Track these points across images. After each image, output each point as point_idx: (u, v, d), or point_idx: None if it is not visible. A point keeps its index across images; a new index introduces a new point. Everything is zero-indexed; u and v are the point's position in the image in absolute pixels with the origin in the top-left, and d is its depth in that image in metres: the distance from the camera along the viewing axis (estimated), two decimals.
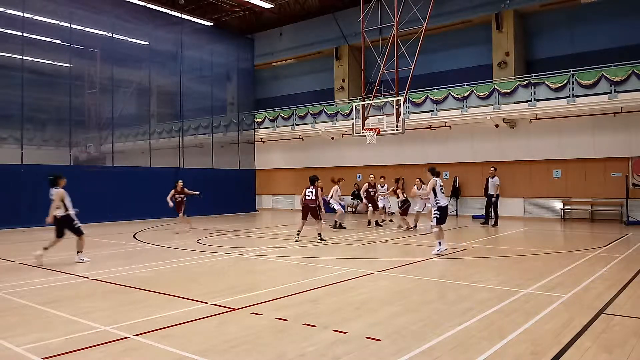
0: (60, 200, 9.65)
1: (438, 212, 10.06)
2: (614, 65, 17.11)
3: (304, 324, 5.27)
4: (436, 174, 10.22)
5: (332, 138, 24.92)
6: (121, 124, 23.64)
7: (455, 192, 21.58)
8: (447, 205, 10.26)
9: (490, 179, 16.86)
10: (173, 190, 15.55)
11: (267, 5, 24.45)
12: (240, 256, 10.50)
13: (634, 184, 17.70)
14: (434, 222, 10.13)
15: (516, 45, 21.06)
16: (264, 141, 27.63)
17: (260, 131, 26.95)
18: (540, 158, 19.71)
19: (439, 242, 10.07)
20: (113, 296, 6.82)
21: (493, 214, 16.88)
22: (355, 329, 5.09)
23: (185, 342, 4.72)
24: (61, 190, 9.72)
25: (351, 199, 24.46)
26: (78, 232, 9.78)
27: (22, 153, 17.35)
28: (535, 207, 20.04)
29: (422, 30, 16.65)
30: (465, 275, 8.11)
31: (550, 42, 21.31)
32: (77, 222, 9.82)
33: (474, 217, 20.74)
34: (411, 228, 15.57)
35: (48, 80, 20.75)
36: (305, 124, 25.03)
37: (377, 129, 17.05)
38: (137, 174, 20.43)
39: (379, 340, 4.72)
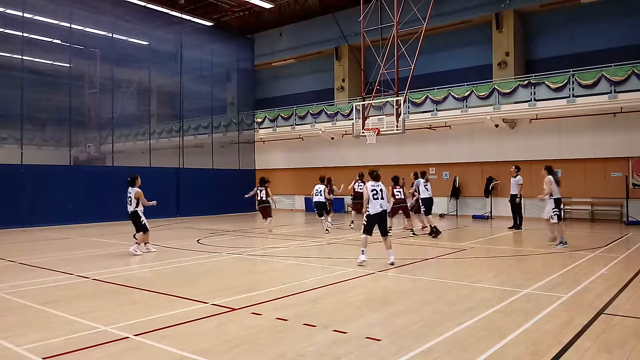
0: (135, 198, 10.84)
1: (365, 220, 9.14)
2: (614, 65, 17.11)
3: (304, 324, 5.27)
4: (373, 177, 9.21)
5: (332, 138, 24.92)
6: (121, 124, 23.66)
7: (455, 192, 21.58)
8: (377, 214, 8.96)
9: (512, 179, 15.49)
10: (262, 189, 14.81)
11: (267, 5, 24.44)
12: (240, 256, 10.50)
13: (634, 184, 17.70)
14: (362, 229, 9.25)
15: (516, 45, 21.06)
16: (264, 141, 27.63)
17: (260, 131, 26.95)
18: (540, 158, 19.67)
19: (362, 251, 9.10)
20: (113, 296, 6.82)
21: (516, 215, 15.64)
22: (355, 329, 5.09)
23: (185, 342, 4.73)
24: (138, 189, 10.98)
25: (351, 199, 24.38)
26: (144, 229, 10.88)
27: (22, 153, 17.34)
28: (535, 207, 19.98)
29: (422, 30, 16.65)
30: (465, 275, 8.11)
31: (550, 42, 21.31)
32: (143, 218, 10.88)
33: (474, 217, 20.75)
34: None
35: (48, 80, 20.76)
36: (305, 124, 25.03)
37: (377, 129, 17.05)
38: (137, 174, 20.37)
39: (379, 340, 4.72)
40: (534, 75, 19.09)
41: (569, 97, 17.76)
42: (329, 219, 16.31)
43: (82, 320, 5.47)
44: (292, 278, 8.03)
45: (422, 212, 14.40)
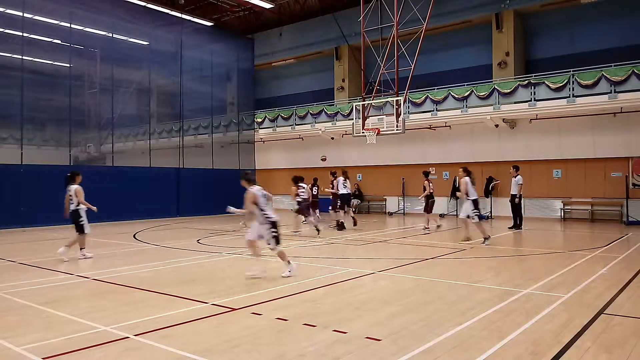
0: (76, 196, 10.11)
1: (274, 229, 7.87)
2: (614, 65, 17.11)
3: (304, 324, 5.27)
4: (248, 180, 8.08)
5: (332, 138, 24.92)
6: (121, 124, 23.68)
7: (455, 192, 21.54)
8: (276, 222, 7.93)
9: (512, 179, 15.51)
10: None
11: (267, 5, 24.46)
12: (240, 256, 10.50)
13: (634, 184, 17.70)
14: (271, 244, 7.89)
15: (516, 45, 21.07)
16: (264, 141, 27.63)
17: (260, 131, 26.96)
18: (540, 158, 19.71)
19: (288, 262, 8.07)
20: (113, 296, 6.81)
21: (516, 215, 15.65)
22: (355, 329, 5.09)
23: (185, 342, 4.73)
24: (78, 186, 10.23)
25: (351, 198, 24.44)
26: (81, 230, 10.11)
27: (22, 153, 17.34)
28: (535, 207, 20.04)
29: (422, 30, 16.66)
30: (465, 275, 8.11)
31: (550, 42, 21.31)
32: (83, 218, 10.17)
33: None
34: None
35: (48, 80, 20.77)
36: (305, 124, 25.04)
37: (377, 129, 17.06)
38: (137, 174, 20.44)
39: (379, 340, 4.72)
40: (534, 75, 19.09)
41: (569, 97, 17.76)
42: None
43: (82, 320, 5.47)
44: (292, 278, 8.02)
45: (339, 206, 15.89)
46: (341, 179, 15.72)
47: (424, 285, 7.37)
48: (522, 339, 4.74)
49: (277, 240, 7.87)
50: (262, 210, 7.78)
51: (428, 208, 15.90)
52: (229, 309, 5.93)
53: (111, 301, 6.52)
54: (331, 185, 16.76)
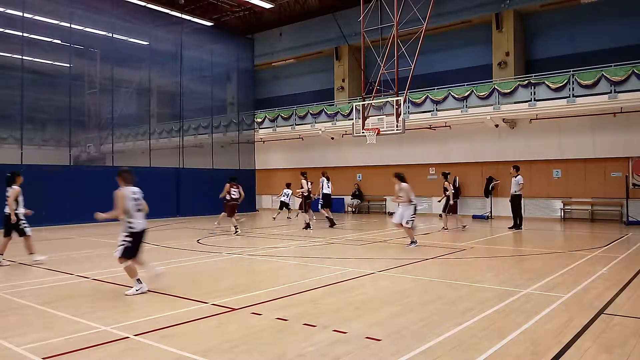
0: (14, 199, 9.50)
1: (129, 239, 6.83)
2: (614, 65, 17.10)
3: (304, 324, 5.27)
4: (130, 180, 7.29)
5: (332, 138, 24.92)
6: (121, 124, 23.70)
7: (455, 192, 21.52)
8: (144, 231, 6.99)
9: (513, 179, 15.54)
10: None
11: (267, 5, 24.45)
12: (240, 256, 10.50)
13: (634, 184, 17.69)
14: (117, 253, 6.87)
15: (516, 45, 21.06)
16: (264, 141, 27.63)
17: (260, 131, 26.96)
18: (540, 158, 19.71)
19: (137, 280, 6.83)
20: (113, 296, 6.81)
21: (516, 215, 15.58)
22: (355, 329, 5.10)
23: (185, 342, 4.73)
24: (17, 188, 9.63)
25: (351, 199, 24.48)
26: (22, 233, 9.65)
27: (21, 153, 17.34)
28: (535, 207, 20.05)
29: (422, 30, 16.66)
30: (465, 276, 8.11)
31: (550, 42, 21.30)
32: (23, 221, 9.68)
33: (474, 217, 20.75)
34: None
35: (48, 80, 20.78)
36: (305, 124, 25.04)
37: (377, 129, 17.06)
38: (137, 174, 20.32)
39: (379, 340, 4.72)
40: (534, 75, 19.09)
41: (569, 97, 17.76)
42: (290, 214, 20.44)
43: (82, 320, 5.47)
44: (292, 278, 8.03)
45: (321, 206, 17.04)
46: (324, 179, 16.96)
47: (424, 285, 7.37)
48: (522, 339, 4.74)
49: (127, 252, 6.77)
50: (129, 216, 6.81)
51: (450, 209, 15.67)
52: (229, 309, 5.93)
53: (111, 301, 6.52)
54: (302, 186, 16.42)
